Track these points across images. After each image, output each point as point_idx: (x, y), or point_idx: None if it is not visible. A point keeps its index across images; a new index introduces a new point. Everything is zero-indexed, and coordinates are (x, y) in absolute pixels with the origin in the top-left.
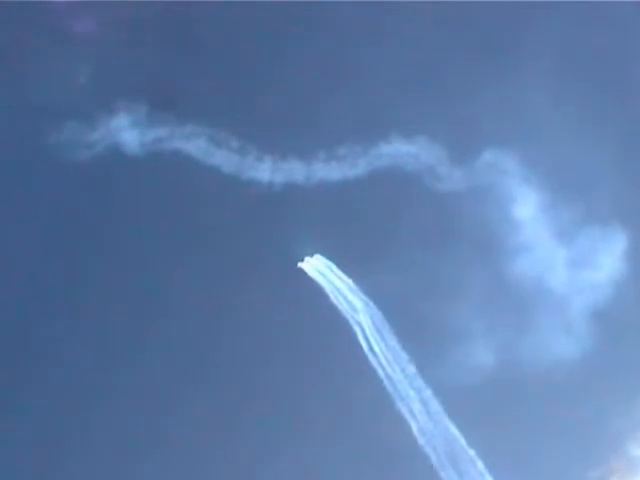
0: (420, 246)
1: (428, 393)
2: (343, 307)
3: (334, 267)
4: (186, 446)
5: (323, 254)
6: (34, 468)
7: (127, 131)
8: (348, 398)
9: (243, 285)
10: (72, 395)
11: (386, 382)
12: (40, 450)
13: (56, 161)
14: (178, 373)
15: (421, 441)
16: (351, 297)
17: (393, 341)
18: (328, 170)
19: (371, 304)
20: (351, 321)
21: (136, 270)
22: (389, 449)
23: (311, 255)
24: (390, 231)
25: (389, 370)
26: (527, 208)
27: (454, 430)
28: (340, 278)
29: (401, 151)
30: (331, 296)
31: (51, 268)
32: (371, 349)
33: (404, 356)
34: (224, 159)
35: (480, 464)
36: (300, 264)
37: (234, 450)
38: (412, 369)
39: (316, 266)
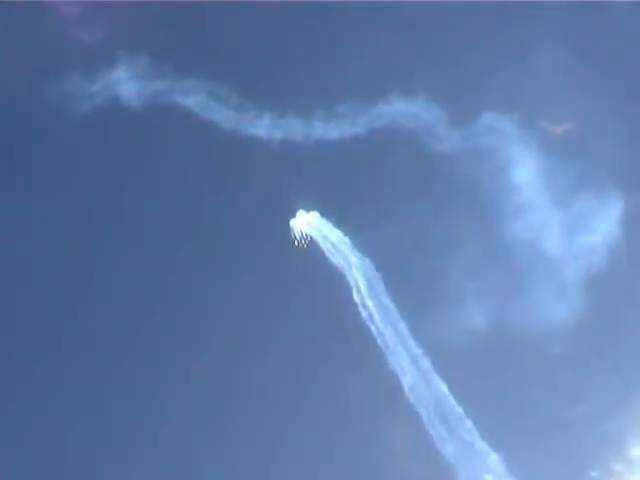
0: (417, 206)
1: (419, 351)
2: (338, 263)
3: (330, 224)
4: (180, 439)
5: (320, 211)
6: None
7: (126, 84)
8: (340, 354)
9: (239, 241)
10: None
11: (378, 339)
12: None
13: (55, 113)
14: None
15: (411, 398)
16: (346, 254)
17: (387, 298)
18: (327, 129)
19: (366, 261)
20: (345, 277)
21: (130, 217)
22: (379, 405)
23: (307, 211)
24: (388, 190)
25: (381, 326)
26: (524, 171)
27: (444, 388)
28: (336, 235)
29: (400, 111)
30: (326, 252)
31: (47, 222)
32: (364, 305)
33: (396, 313)
34: (223, 115)
35: (469, 422)
36: (294, 219)
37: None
38: (404, 327)
39: (312, 222)
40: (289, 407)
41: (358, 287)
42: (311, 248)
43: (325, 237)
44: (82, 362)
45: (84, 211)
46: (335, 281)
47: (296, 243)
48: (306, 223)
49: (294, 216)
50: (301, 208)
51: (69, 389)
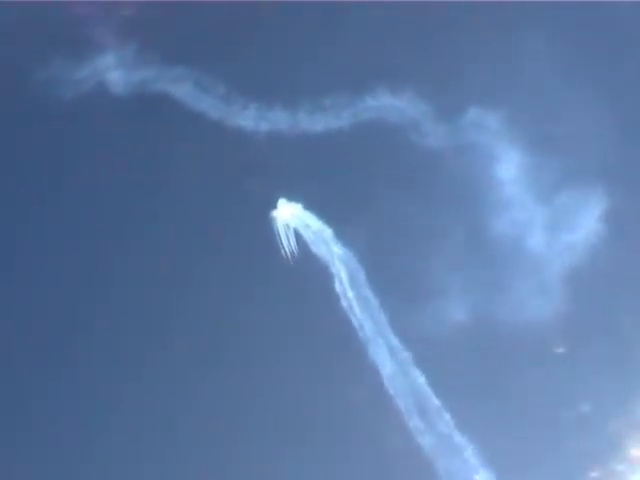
0: (401, 201)
1: (399, 343)
2: (321, 254)
3: (313, 216)
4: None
5: (304, 203)
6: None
7: (113, 71)
8: (320, 346)
9: (222, 231)
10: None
11: (359, 331)
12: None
13: (42, 99)
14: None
15: (390, 390)
16: (329, 245)
17: (369, 291)
18: (313, 121)
19: (349, 254)
20: (328, 269)
21: (114, 203)
22: (358, 397)
23: (290, 201)
24: (372, 184)
25: (362, 318)
26: (509, 167)
27: (422, 381)
28: (319, 226)
29: (386, 105)
30: (310, 244)
31: (34, 208)
32: (346, 297)
33: (378, 305)
34: (209, 105)
35: (447, 416)
36: (277, 210)
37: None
38: (385, 319)
39: (295, 213)
40: (266, 396)
41: (340, 279)
42: (294, 239)
43: (308, 228)
44: (84, 364)
45: (68, 195)
46: (318, 272)
47: (284, 257)
48: (289, 214)
49: (277, 206)
50: (284, 199)
51: (77, 391)
